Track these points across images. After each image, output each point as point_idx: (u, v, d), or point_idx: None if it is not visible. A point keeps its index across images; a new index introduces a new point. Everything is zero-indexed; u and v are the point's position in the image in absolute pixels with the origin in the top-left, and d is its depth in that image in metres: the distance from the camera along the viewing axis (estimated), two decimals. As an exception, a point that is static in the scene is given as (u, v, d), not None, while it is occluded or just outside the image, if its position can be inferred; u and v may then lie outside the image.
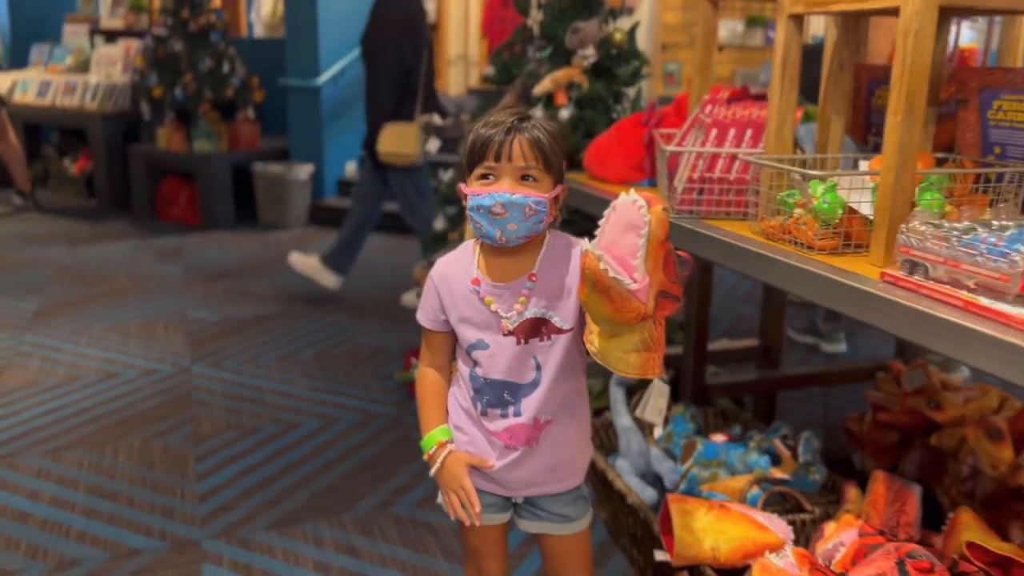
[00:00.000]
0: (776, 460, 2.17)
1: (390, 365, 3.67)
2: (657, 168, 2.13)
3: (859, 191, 1.49)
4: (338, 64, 6.38)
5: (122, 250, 5.63)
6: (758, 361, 3.06)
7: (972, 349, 1.13)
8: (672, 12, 7.89)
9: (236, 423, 3.09)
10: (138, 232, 6.18)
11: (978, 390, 2.20)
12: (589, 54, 2.89)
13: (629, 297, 1.21)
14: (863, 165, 1.59)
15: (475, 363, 1.46)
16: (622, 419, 2.30)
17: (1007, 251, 1.14)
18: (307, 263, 4.55)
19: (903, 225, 1.31)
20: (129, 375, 3.50)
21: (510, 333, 1.42)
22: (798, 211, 1.53)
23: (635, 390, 2.44)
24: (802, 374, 3.20)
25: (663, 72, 7.90)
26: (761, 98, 1.92)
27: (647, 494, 2.14)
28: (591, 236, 1.27)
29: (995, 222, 1.24)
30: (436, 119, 4.21)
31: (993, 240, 1.17)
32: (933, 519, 1.78)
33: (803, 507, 1.98)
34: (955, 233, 1.22)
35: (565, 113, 2.88)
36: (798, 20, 1.65)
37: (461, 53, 9.29)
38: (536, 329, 1.42)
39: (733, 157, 1.81)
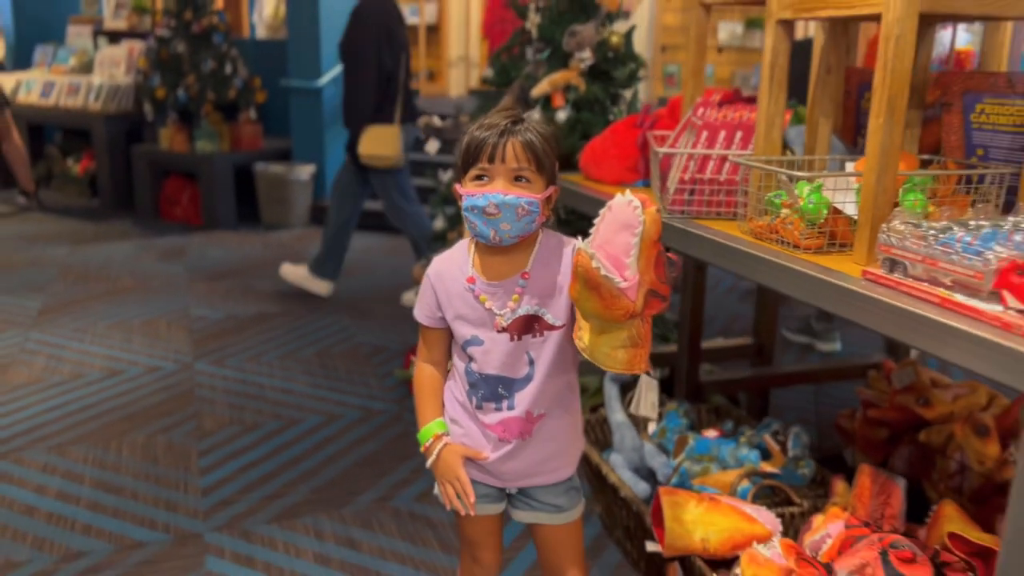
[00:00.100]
0: (766, 455, 2.21)
1: (390, 363, 3.71)
2: (650, 169, 2.17)
3: (844, 192, 1.53)
4: (339, 66, 6.40)
5: (125, 249, 5.67)
6: (752, 358, 3.10)
7: (948, 344, 1.16)
8: (672, 14, 7.92)
9: (238, 419, 3.13)
10: (141, 232, 6.22)
11: (967, 387, 2.24)
12: (586, 57, 2.94)
13: (619, 295, 1.25)
14: (849, 166, 1.63)
15: (470, 359, 1.50)
16: (616, 415, 2.34)
17: (981, 249, 1.18)
18: (297, 273, 4.61)
19: (884, 224, 1.35)
20: (133, 372, 3.55)
21: (504, 330, 1.46)
22: (785, 211, 1.57)
23: (629, 387, 2.47)
24: (795, 371, 3.24)
25: (663, 73, 7.92)
26: (751, 101, 1.96)
27: (640, 488, 2.18)
28: (585, 236, 1.32)
29: (972, 222, 1.28)
30: (436, 120, 4.25)
31: (968, 239, 1.22)
32: (921, 513, 1.81)
33: (792, 500, 2.02)
34: (932, 232, 1.26)
35: (562, 115, 2.92)
36: (786, 25, 1.68)
37: (462, 54, 9.33)
38: (529, 326, 1.46)
39: (723, 158, 1.85)
